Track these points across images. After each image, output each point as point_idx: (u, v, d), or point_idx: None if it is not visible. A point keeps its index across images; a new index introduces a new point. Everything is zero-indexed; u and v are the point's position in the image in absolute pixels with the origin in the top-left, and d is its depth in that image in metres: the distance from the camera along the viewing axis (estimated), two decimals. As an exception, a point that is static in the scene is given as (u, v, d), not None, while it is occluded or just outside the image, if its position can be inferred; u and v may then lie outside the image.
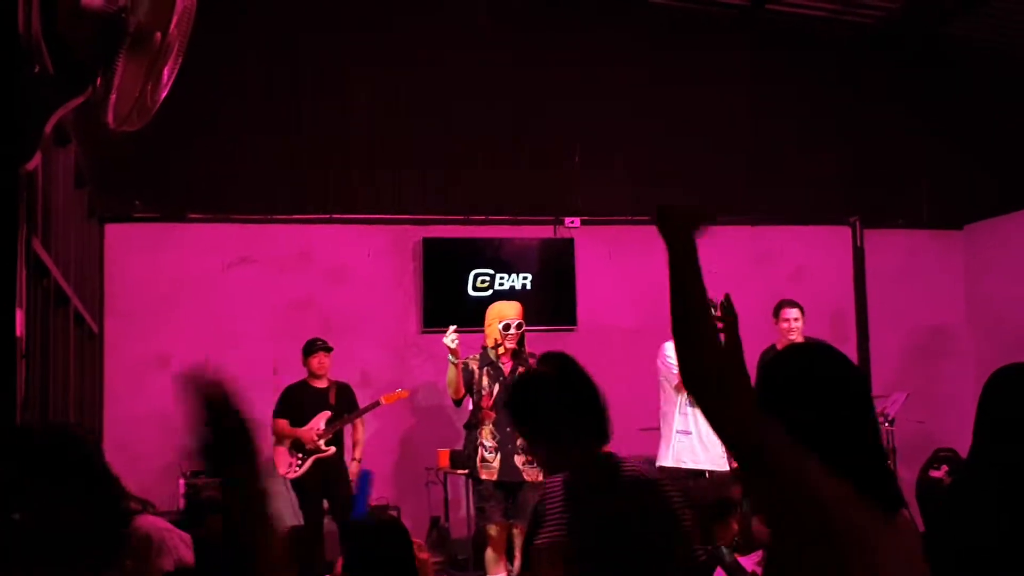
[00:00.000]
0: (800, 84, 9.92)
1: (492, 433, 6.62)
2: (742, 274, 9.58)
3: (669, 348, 6.88)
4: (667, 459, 6.66)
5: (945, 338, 9.99)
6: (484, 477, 6.59)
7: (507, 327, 6.75)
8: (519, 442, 6.37)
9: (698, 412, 6.87)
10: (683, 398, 6.61)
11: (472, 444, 6.69)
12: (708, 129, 9.67)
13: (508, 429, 6.42)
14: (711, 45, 9.77)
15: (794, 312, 7.27)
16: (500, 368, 6.75)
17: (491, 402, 6.64)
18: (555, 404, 2.88)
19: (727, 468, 6.40)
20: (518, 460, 6.57)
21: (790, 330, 7.22)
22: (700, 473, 6.51)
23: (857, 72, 10.02)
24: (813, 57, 9.94)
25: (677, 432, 6.63)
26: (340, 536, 7.53)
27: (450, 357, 6.70)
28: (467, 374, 6.78)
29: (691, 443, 6.57)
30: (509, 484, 6.58)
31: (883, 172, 10.04)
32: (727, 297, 2.63)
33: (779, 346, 7.27)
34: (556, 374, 2.86)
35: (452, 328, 6.75)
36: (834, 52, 9.99)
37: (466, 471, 6.93)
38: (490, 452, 6.58)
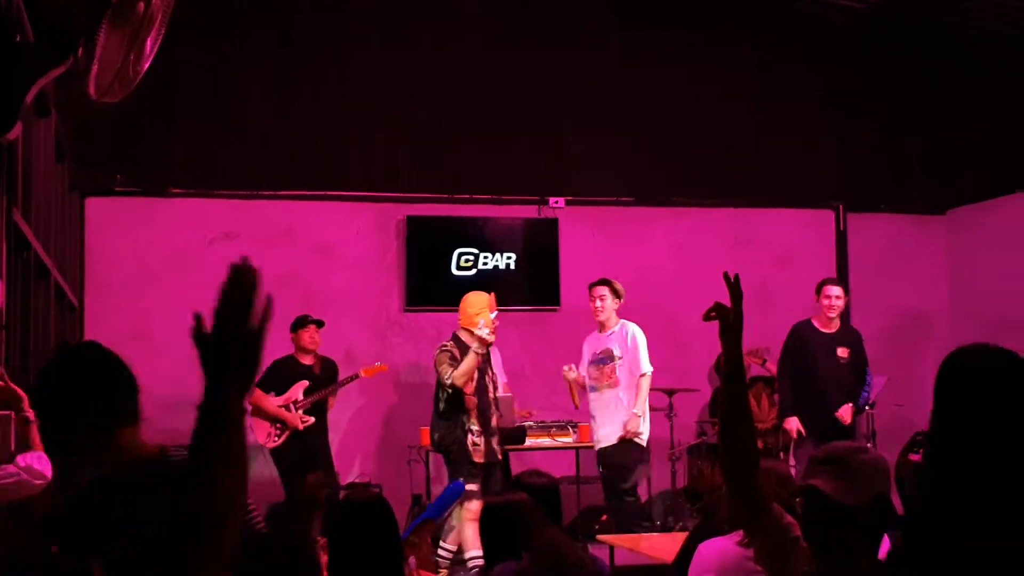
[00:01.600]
0: (787, 69, 9.91)
1: (476, 419, 6.86)
2: (725, 257, 9.60)
3: (641, 337, 7.32)
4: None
5: (927, 323, 10.04)
6: (476, 460, 6.82)
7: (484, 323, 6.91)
8: (494, 423, 6.93)
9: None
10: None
11: (460, 429, 6.86)
12: (693, 112, 9.65)
13: (488, 414, 6.90)
14: (699, 28, 9.75)
15: (836, 290, 7.37)
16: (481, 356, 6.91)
17: (473, 388, 6.87)
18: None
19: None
20: (494, 442, 6.92)
21: (831, 307, 7.33)
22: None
23: (843, 57, 10.02)
24: (800, 42, 9.93)
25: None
26: (323, 513, 7.51)
27: (477, 348, 6.80)
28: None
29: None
30: (487, 464, 6.86)
31: (867, 157, 10.06)
32: (736, 277, 2.68)
33: (816, 323, 7.33)
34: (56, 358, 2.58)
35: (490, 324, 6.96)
36: (821, 37, 9.99)
37: (448, 453, 6.97)
38: (478, 436, 6.84)
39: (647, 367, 7.28)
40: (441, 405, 6.95)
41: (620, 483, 7.18)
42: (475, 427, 6.86)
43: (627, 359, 7.29)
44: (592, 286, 7.59)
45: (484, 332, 6.80)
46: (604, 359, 7.35)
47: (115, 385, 2.34)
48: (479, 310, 6.98)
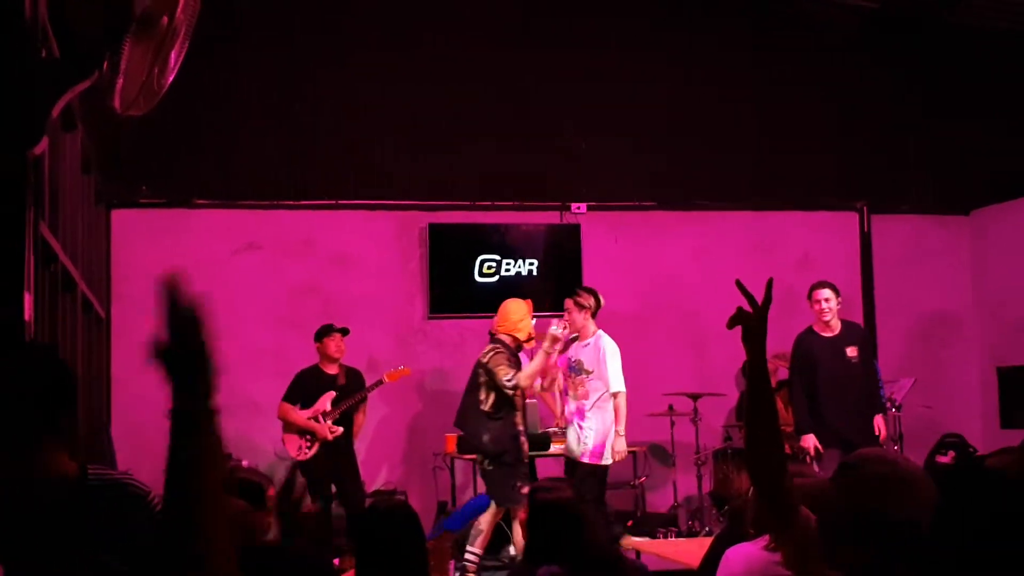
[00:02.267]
0: (807, 69, 9.88)
1: (523, 419, 7.03)
2: (747, 260, 9.58)
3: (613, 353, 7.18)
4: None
5: (951, 324, 9.98)
6: (524, 460, 7.02)
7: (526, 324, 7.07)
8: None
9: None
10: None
11: (513, 430, 6.94)
12: (714, 115, 9.64)
13: (524, 414, 7.07)
14: (717, 30, 9.74)
15: (825, 292, 7.22)
16: (520, 361, 7.05)
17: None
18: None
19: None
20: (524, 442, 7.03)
21: (823, 311, 7.19)
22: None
23: (864, 57, 9.98)
24: (820, 42, 9.91)
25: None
26: (347, 521, 7.54)
27: (548, 346, 6.86)
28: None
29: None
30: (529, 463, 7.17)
31: (889, 157, 10.01)
32: (769, 282, 2.66)
33: (816, 329, 7.24)
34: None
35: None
36: (841, 37, 9.96)
37: (501, 455, 7.00)
38: (523, 436, 7.01)
39: (619, 385, 7.10)
40: (487, 407, 6.95)
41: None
42: (522, 427, 7.00)
43: (596, 374, 7.14)
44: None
45: (558, 331, 6.84)
46: (576, 369, 7.25)
47: (49, 396, 2.20)
48: (523, 315, 7.08)
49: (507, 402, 6.90)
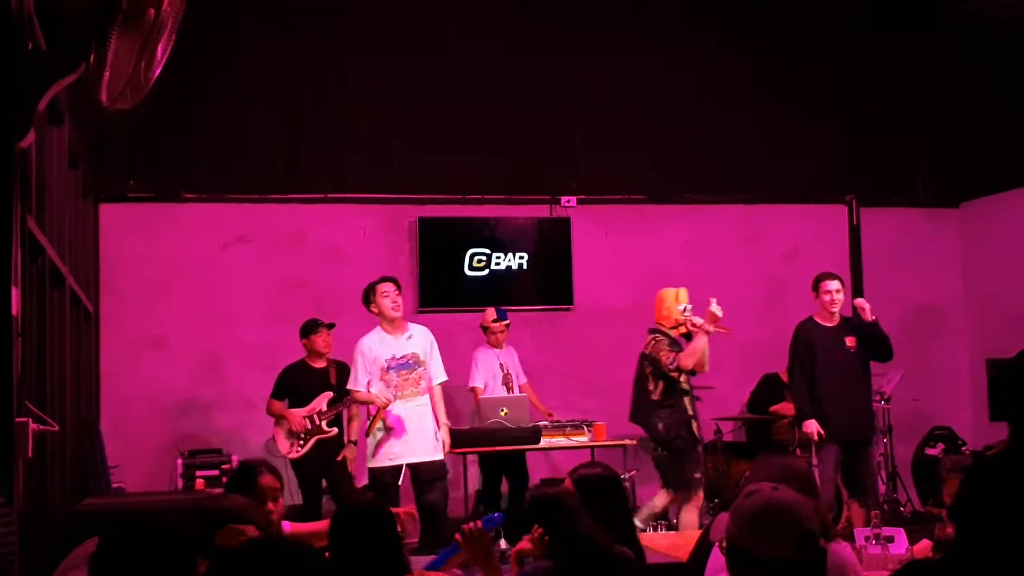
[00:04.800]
0: (796, 62, 9.88)
1: (690, 404, 7.13)
2: (737, 253, 9.60)
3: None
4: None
5: (941, 316, 10.01)
6: (694, 439, 7.10)
7: (685, 310, 7.07)
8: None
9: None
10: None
11: (684, 416, 7.06)
12: (704, 108, 9.64)
13: (694, 400, 7.18)
14: (708, 24, 9.74)
15: (835, 284, 7.20)
16: (680, 345, 7.10)
17: (684, 377, 7.09)
18: None
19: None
20: (695, 427, 7.16)
21: (833, 302, 7.16)
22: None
23: (853, 49, 9.99)
24: (810, 34, 9.91)
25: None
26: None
27: (709, 326, 6.93)
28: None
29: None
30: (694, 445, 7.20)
31: (879, 151, 10.03)
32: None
33: (818, 319, 7.23)
34: None
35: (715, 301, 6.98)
36: (831, 29, 9.96)
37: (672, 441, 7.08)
38: (695, 421, 7.11)
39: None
40: (656, 396, 7.09)
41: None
42: (691, 412, 7.08)
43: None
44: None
45: (717, 309, 6.90)
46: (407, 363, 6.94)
47: None
48: (667, 303, 7.20)
49: (675, 389, 7.05)
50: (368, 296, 6.91)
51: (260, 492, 3.66)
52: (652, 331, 7.22)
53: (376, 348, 6.80)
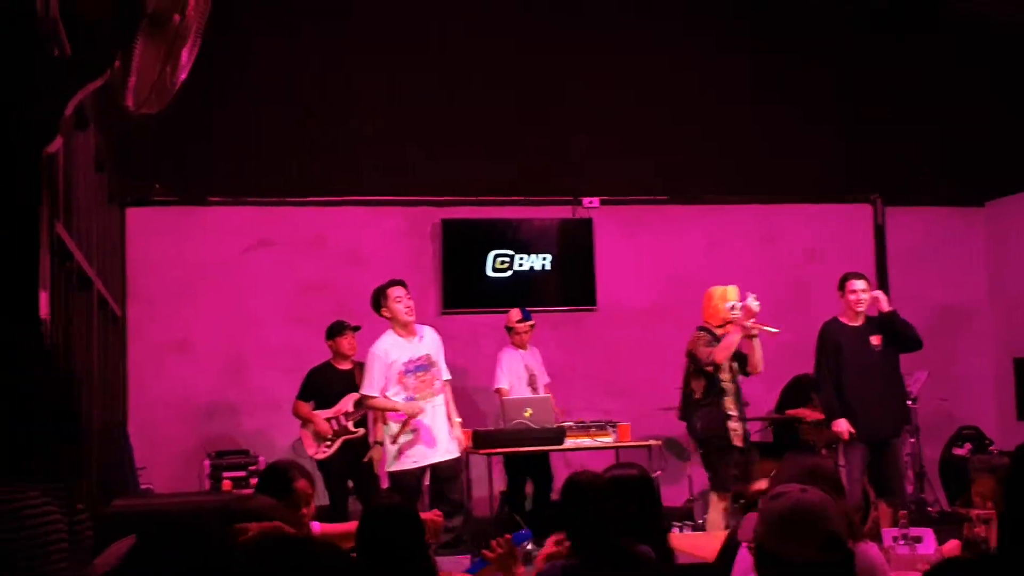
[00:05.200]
0: (819, 61, 9.84)
1: (734, 404, 7.04)
2: (761, 253, 9.56)
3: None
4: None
5: (967, 316, 9.94)
6: (736, 444, 7.02)
7: (732, 308, 7.02)
8: (745, 411, 7.18)
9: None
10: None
11: (722, 414, 7.03)
12: (726, 108, 9.61)
13: (740, 401, 7.13)
14: (728, 24, 9.71)
15: (861, 283, 7.15)
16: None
17: (729, 377, 7.07)
18: None
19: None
20: (747, 427, 7.17)
21: (858, 302, 7.12)
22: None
23: (876, 48, 9.93)
24: (833, 32, 9.87)
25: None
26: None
27: (741, 318, 6.94)
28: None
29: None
30: (744, 450, 7.10)
31: (903, 149, 9.97)
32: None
33: (843, 319, 7.19)
34: None
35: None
36: (854, 27, 9.92)
37: (708, 441, 7.11)
38: (735, 421, 7.04)
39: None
40: (697, 394, 7.12)
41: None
42: (732, 412, 7.02)
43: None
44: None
45: (754, 303, 6.93)
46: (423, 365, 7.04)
47: None
48: (713, 300, 7.17)
49: (714, 387, 7.04)
50: (378, 301, 6.92)
51: (296, 496, 3.69)
52: (699, 329, 7.22)
53: (392, 352, 6.83)
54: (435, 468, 6.87)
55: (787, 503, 2.32)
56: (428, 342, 6.96)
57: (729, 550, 3.78)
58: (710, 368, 7.00)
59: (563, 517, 3.60)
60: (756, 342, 7.04)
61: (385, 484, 8.10)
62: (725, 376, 7.05)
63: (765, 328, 7.03)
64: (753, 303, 6.92)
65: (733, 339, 6.96)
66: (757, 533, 2.34)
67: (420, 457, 6.80)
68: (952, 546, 4.40)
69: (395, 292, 6.87)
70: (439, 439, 6.86)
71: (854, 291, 7.13)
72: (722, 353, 6.96)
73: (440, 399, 6.91)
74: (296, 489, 3.72)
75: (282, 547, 2.10)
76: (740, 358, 7.14)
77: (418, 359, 6.86)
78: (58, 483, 2.28)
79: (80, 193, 5.50)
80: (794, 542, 2.26)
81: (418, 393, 6.81)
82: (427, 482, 6.96)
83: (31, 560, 2.08)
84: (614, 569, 3.42)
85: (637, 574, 3.45)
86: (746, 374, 7.19)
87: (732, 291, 7.17)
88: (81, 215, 5.55)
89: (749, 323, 6.94)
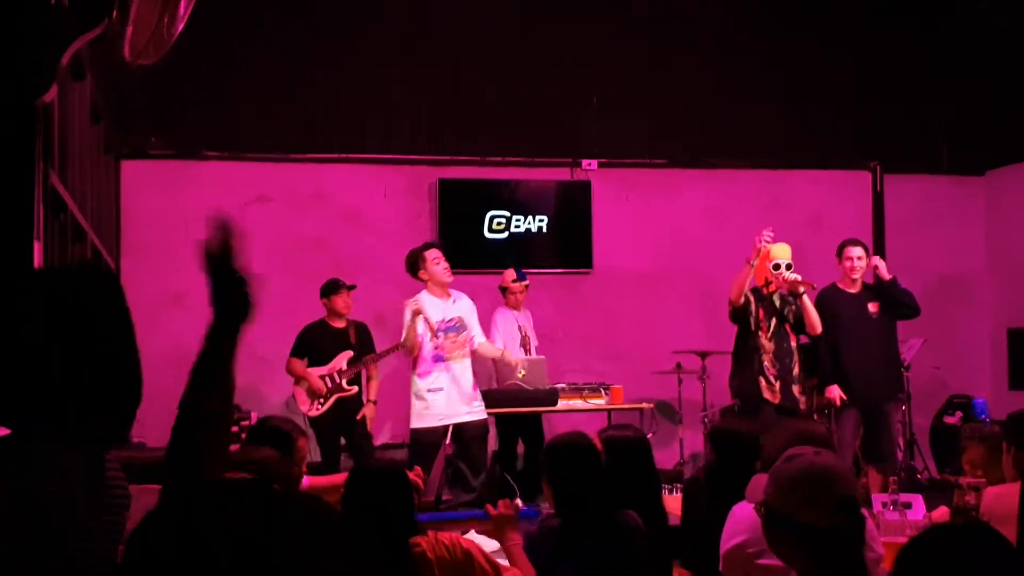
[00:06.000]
0: (820, 28, 9.77)
1: (773, 362, 6.91)
2: (759, 219, 9.52)
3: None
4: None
5: (964, 285, 9.94)
6: (768, 399, 6.88)
7: (776, 267, 6.92)
8: (795, 373, 6.91)
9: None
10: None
11: (754, 373, 6.93)
12: (726, 73, 9.55)
13: (786, 360, 6.90)
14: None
15: (858, 250, 7.18)
16: (774, 304, 6.97)
17: (769, 334, 6.94)
18: None
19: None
20: (795, 390, 6.92)
21: (854, 268, 7.14)
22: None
23: (877, 15, 9.86)
24: (834, 1, 9.79)
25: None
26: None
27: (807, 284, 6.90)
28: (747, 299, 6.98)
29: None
30: (787, 409, 6.85)
31: (904, 118, 9.92)
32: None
33: (841, 285, 7.21)
34: None
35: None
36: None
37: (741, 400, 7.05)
38: (774, 378, 6.90)
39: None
40: (737, 352, 7.11)
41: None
42: (771, 369, 6.89)
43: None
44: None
45: (789, 275, 6.87)
46: (455, 326, 7.22)
47: None
48: (766, 256, 6.98)
49: (747, 345, 6.95)
50: (416, 263, 7.12)
51: (297, 456, 3.70)
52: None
53: (428, 309, 7.02)
54: (461, 428, 7.05)
55: (801, 465, 2.32)
56: (461, 305, 7.20)
57: (693, 511, 3.85)
58: (735, 309, 6.89)
59: (546, 480, 3.62)
60: (805, 300, 6.93)
61: (378, 441, 8.15)
62: (764, 334, 6.94)
63: (805, 284, 6.96)
64: (789, 274, 6.86)
65: (741, 276, 6.90)
66: (768, 495, 2.35)
67: (445, 415, 7.00)
68: (941, 513, 4.44)
69: (432, 254, 7.13)
70: (467, 400, 7.09)
71: (850, 258, 7.15)
72: (733, 289, 6.90)
73: (468, 361, 7.14)
74: (298, 447, 3.73)
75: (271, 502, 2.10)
76: (798, 319, 7.01)
77: (451, 320, 7.09)
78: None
79: (75, 144, 5.47)
80: (806, 505, 2.26)
81: (448, 353, 7.02)
82: (447, 440, 7.07)
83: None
84: (595, 533, 3.44)
85: (617, 538, 3.47)
86: (807, 335, 7.07)
87: (779, 249, 7.01)
88: (76, 166, 5.52)
89: (789, 276, 6.86)
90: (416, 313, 6.93)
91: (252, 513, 1.15)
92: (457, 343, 7.07)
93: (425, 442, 6.93)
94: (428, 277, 7.09)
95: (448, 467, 8.26)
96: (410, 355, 7.09)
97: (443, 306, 7.10)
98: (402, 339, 7.08)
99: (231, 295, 1.99)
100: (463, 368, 7.10)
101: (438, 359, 7.02)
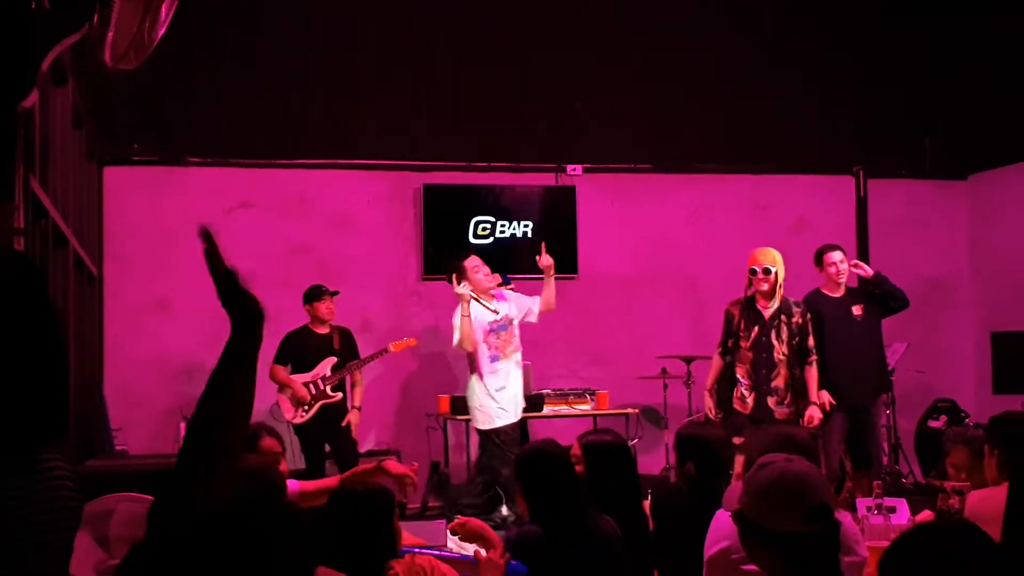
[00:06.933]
0: (804, 32, 9.80)
1: (748, 373, 6.81)
2: (744, 224, 9.56)
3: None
4: None
5: (947, 289, 9.98)
6: (738, 409, 6.85)
7: (753, 272, 6.77)
8: (772, 384, 6.75)
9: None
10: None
11: (732, 381, 6.91)
12: (710, 78, 9.57)
13: (763, 371, 6.75)
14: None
15: (839, 255, 7.15)
16: (759, 312, 6.82)
17: (749, 344, 6.81)
18: None
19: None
20: (771, 401, 6.81)
21: (839, 273, 7.12)
22: None
23: (861, 20, 9.90)
24: (817, 5, 9.82)
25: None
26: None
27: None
28: (729, 316, 6.92)
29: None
30: (759, 420, 6.72)
31: (887, 122, 9.96)
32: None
33: (825, 290, 7.20)
34: None
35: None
36: (839, 2, 9.87)
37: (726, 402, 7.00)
38: (747, 390, 6.82)
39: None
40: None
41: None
42: (744, 380, 6.80)
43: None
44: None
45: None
46: (504, 325, 7.36)
47: None
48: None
49: (728, 352, 6.86)
50: (459, 274, 7.25)
51: (261, 455, 3.66)
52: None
53: (475, 313, 7.23)
54: (499, 430, 7.25)
55: (773, 473, 2.31)
56: (502, 304, 7.38)
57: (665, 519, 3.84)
58: (736, 341, 6.84)
59: (519, 489, 3.61)
60: None
61: (362, 448, 8.12)
62: (744, 343, 6.82)
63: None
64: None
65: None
66: (742, 502, 2.34)
67: (512, 412, 7.27)
68: (925, 517, 4.44)
69: (471, 263, 7.33)
70: (522, 395, 7.42)
71: (833, 263, 7.16)
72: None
73: (519, 356, 7.38)
74: (261, 447, 3.69)
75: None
76: (802, 335, 6.85)
77: (500, 320, 7.31)
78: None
79: (57, 150, 5.44)
80: (780, 512, 2.25)
81: (501, 352, 7.27)
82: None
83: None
84: (569, 540, 3.43)
85: (592, 545, 3.45)
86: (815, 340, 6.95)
87: (760, 254, 6.84)
88: (57, 172, 5.48)
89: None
90: (466, 301, 7.11)
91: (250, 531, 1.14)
92: (506, 340, 7.28)
93: (509, 439, 7.15)
94: (472, 287, 7.25)
95: (433, 474, 8.25)
96: (468, 349, 7.25)
97: (488, 308, 7.31)
98: (455, 340, 7.25)
99: (240, 301, 2.03)
100: (517, 364, 7.36)
101: (495, 358, 7.26)
